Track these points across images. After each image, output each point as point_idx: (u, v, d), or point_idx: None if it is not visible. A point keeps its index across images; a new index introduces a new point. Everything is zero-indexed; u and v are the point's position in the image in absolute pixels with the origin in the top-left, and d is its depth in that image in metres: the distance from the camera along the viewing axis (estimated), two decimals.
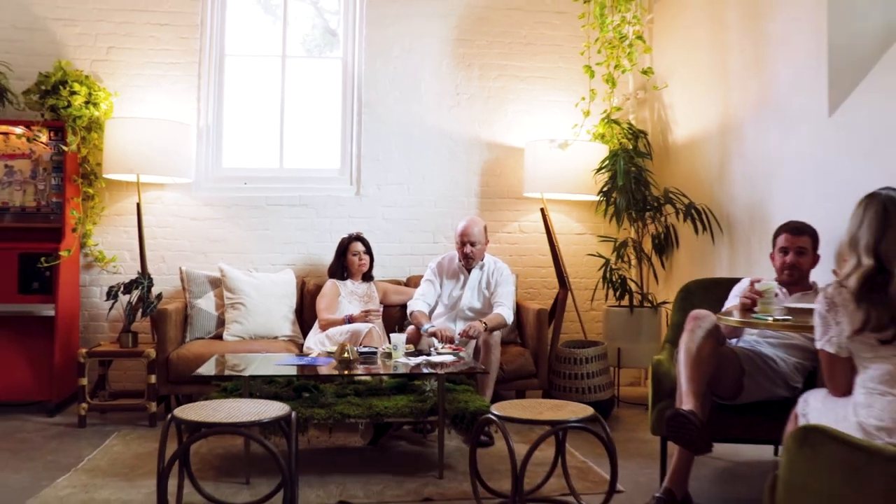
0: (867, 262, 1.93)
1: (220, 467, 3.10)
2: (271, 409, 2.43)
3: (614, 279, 4.38)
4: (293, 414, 2.45)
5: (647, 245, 4.57)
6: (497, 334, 3.69)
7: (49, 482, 2.91)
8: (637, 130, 4.74)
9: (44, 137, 4.27)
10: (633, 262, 4.59)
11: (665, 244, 4.50)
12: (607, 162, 4.38)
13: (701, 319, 2.65)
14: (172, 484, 2.42)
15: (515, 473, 2.40)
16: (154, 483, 2.79)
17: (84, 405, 3.86)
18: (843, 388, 2.00)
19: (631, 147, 4.64)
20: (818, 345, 2.04)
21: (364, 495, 2.80)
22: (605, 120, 4.68)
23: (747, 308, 2.65)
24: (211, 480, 2.88)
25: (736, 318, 2.58)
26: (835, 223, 2.76)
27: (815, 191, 3.37)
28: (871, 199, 2.02)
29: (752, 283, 2.67)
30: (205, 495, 2.63)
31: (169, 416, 2.39)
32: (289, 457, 2.41)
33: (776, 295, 2.64)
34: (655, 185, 4.48)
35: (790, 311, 2.57)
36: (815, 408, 2.09)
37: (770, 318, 2.40)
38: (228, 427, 2.30)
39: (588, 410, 2.57)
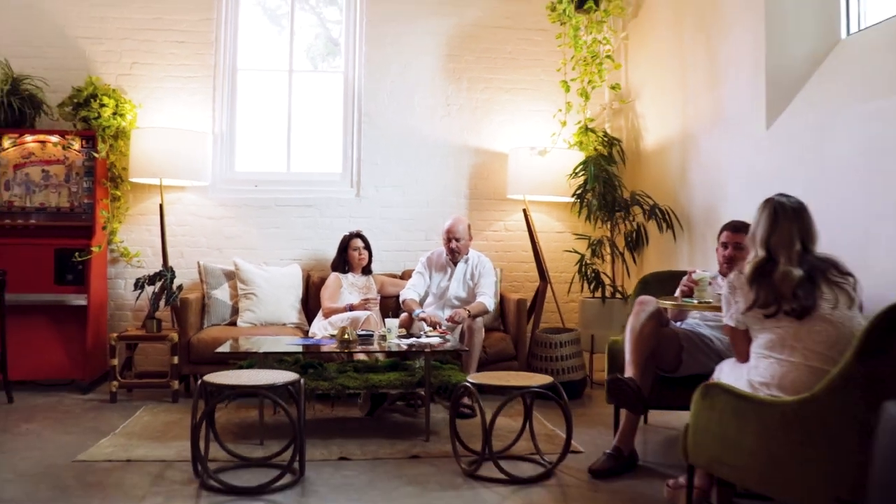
0: (760, 253, 2.42)
1: (237, 433, 3.60)
2: (283, 377, 2.93)
3: (589, 273, 4.87)
4: (301, 381, 2.95)
5: (621, 242, 5.05)
6: (480, 320, 4.18)
7: (93, 443, 3.41)
8: (612, 138, 5.23)
9: (76, 145, 4.77)
10: (608, 257, 5.07)
11: (636, 241, 4.98)
12: (581, 168, 4.87)
13: (645, 304, 3.14)
14: (199, 444, 2.92)
15: (485, 430, 2.90)
16: (181, 444, 3.32)
17: (115, 383, 4.36)
18: (744, 356, 2.49)
19: (606, 153, 5.14)
20: (724, 320, 2.53)
21: (361, 453, 3.29)
22: (583, 129, 5.17)
23: (686, 294, 3.15)
24: (230, 442, 3.37)
25: (671, 302, 3.07)
26: None
27: (758, 195, 3.81)
28: (767, 203, 2.51)
29: (689, 274, 3.16)
30: (226, 450, 3.13)
31: (199, 381, 2.89)
32: (297, 417, 2.90)
33: (710, 284, 3.13)
34: (624, 189, 4.97)
35: (720, 297, 3.05)
36: (725, 372, 2.58)
37: (695, 302, 2.90)
38: (249, 388, 2.80)
39: (548, 380, 3.06)
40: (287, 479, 2.84)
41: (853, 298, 2.32)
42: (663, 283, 3.82)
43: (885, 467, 1.57)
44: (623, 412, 3.10)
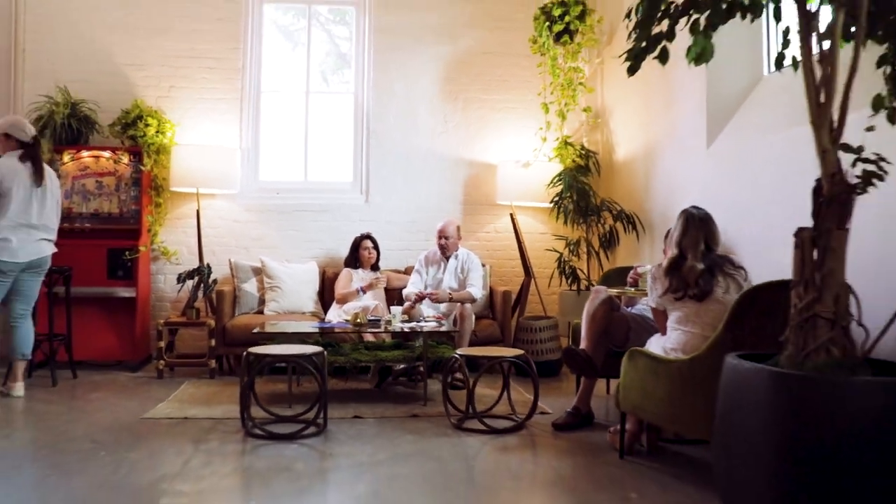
0: (674, 251, 3.19)
1: (269, 400, 4.37)
2: (310, 349, 3.71)
3: (566, 269, 5.63)
4: (324, 352, 3.73)
5: (597, 242, 5.81)
6: (469, 307, 4.95)
7: (152, 406, 4.20)
8: (588, 151, 6.00)
9: (125, 159, 5.56)
10: (584, 255, 5.83)
11: (609, 241, 5.74)
12: (557, 178, 5.64)
13: (598, 292, 3.90)
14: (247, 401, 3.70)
15: (469, 391, 3.68)
16: (225, 407, 4.11)
17: (161, 362, 5.15)
18: (664, 330, 3.26)
19: (583, 164, 5.91)
20: (649, 303, 3.30)
21: (371, 413, 4.07)
22: (562, 144, 5.93)
23: (632, 285, 3.92)
24: (265, 405, 4.15)
25: (617, 290, 3.85)
26: None
27: (703, 203, 4.59)
28: (682, 213, 3.27)
29: (635, 268, 3.93)
30: (265, 409, 3.90)
31: (245, 352, 3.68)
32: (321, 380, 3.68)
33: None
34: (597, 196, 5.73)
35: None
36: (653, 343, 3.35)
37: (633, 289, 3.67)
38: (285, 357, 3.58)
39: (520, 352, 3.84)
40: (313, 430, 3.62)
41: (741, 286, 3.08)
42: (622, 276, 4.58)
43: (723, 400, 2.33)
44: (583, 379, 3.87)
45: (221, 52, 6.05)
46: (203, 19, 6.01)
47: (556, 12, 5.65)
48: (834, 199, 2.31)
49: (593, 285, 5.61)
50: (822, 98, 2.34)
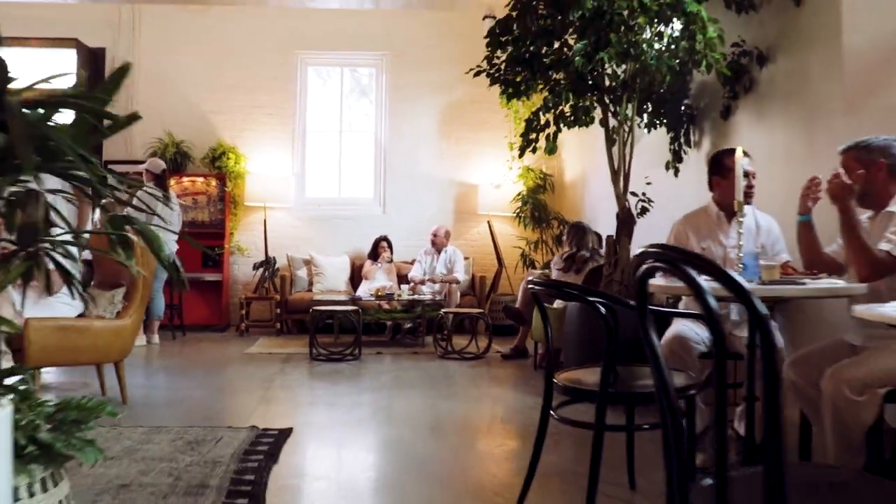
0: (569, 247, 5.43)
1: (322, 345, 6.65)
2: (350, 308, 6.00)
3: (527, 261, 7.87)
4: (359, 310, 6.02)
5: (550, 241, 8.02)
6: (455, 287, 7.20)
7: (247, 348, 6.49)
8: (545, 174, 8.24)
9: (213, 183, 7.87)
10: (541, 251, 8.06)
11: (558, 241, 7.96)
12: (518, 197, 7.89)
13: (529, 275, 6.15)
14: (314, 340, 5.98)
15: (449, 333, 5.95)
16: (293, 349, 6.40)
17: (244, 324, 7.45)
18: None
19: (542, 184, 8.14)
20: (553, 276, 5.54)
21: (387, 351, 6.34)
22: (526, 169, 8.17)
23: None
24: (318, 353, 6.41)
25: (538, 272, 6.10)
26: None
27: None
28: (576, 224, 5.51)
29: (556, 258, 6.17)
30: (321, 345, 6.17)
31: (311, 309, 5.96)
32: (357, 328, 5.94)
33: None
34: (549, 209, 7.97)
35: None
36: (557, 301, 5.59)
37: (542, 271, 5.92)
38: (335, 312, 5.87)
39: (482, 311, 6.10)
40: (351, 358, 5.88)
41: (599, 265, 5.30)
42: None
43: (568, 330, 4.55)
44: (521, 328, 6.11)
45: (278, 103, 8.35)
46: (264, 79, 8.31)
47: None
48: (624, 222, 4.55)
49: (546, 273, 7.90)
50: (616, 166, 4.59)
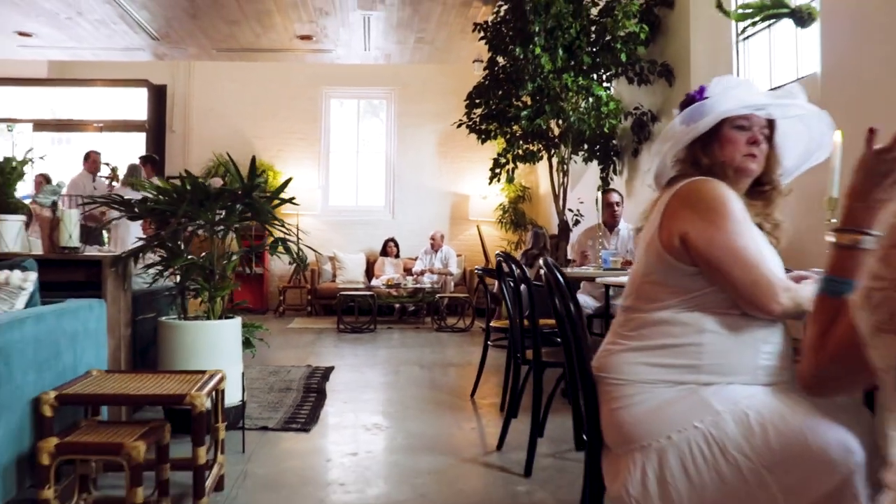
0: (529, 246, 7.34)
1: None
2: (367, 293, 7.93)
3: None
4: (374, 296, 7.95)
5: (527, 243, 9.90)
6: (450, 278, 9.11)
7: (287, 325, 8.43)
8: (524, 187, 10.13)
9: None
10: (520, 251, 9.93)
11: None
12: (499, 206, 9.80)
13: None
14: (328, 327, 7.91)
15: (441, 312, 7.87)
16: (322, 326, 8.35)
17: (281, 308, 9.39)
18: None
19: (521, 195, 10.04)
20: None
21: (396, 327, 8.27)
22: (508, 183, 10.05)
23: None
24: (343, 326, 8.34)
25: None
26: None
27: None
28: (538, 229, 7.42)
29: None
30: (345, 322, 8.10)
31: (338, 294, 7.89)
32: (373, 307, 7.86)
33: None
34: (525, 216, 9.86)
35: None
36: None
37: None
38: (356, 297, 7.81)
39: (466, 295, 8.02)
40: (368, 332, 7.80)
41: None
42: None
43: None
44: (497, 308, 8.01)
45: (306, 129, 10.27)
46: (296, 110, 10.23)
47: None
48: (561, 230, 6.46)
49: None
50: (556, 191, 6.49)
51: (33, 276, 2.43)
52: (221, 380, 2.64)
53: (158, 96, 10.13)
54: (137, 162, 8.19)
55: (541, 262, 2.18)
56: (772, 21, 3.22)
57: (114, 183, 8.62)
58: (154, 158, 8.19)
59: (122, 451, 2.05)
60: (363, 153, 10.61)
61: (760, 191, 1.78)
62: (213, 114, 10.14)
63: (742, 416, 1.53)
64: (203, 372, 2.68)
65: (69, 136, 10.46)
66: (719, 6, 3.37)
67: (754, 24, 3.25)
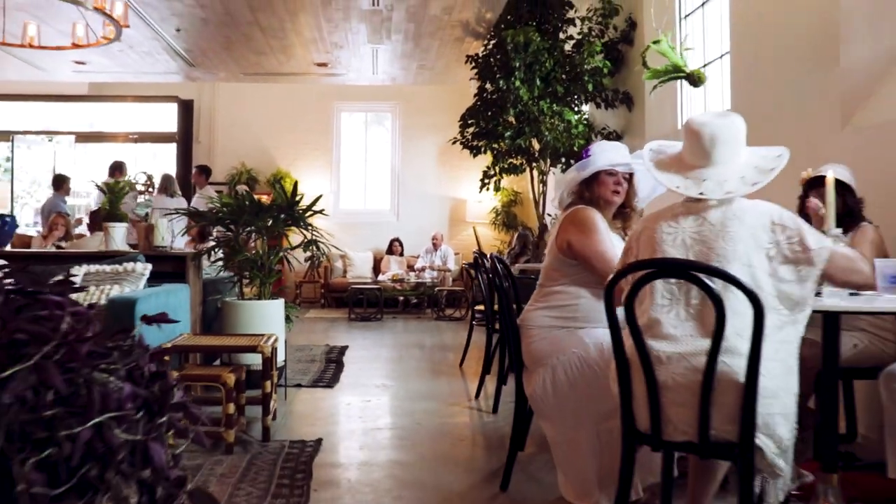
0: (514, 246, 8.43)
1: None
2: (375, 286, 9.05)
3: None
4: (381, 289, 9.07)
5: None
6: (448, 274, 10.22)
7: (304, 314, 9.56)
8: (516, 192, 11.23)
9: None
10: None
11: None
12: (495, 209, 10.90)
13: None
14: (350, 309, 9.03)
15: (440, 302, 8.99)
16: (335, 315, 9.50)
17: (298, 301, 10.52)
18: None
19: (513, 199, 11.14)
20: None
21: (400, 316, 9.39)
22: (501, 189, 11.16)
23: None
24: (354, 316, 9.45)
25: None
26: None
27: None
28: (523, 230, 8.51)
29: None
30: (356, 312, 9.22)
31: (349, 287, 9.01)
32: (380, 300, 8.98)
33: None
34: (516, 219, 10.97)
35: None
36: None
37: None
38: (365, 289, 8.93)
39: (461, 288, 9.13)
40: (375, 320, 8.92)
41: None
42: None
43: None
44: None
45: (320, 140, 11.40)
46: (310, 123, 11.35)
47: None
48: (540, 233, 7.55)
49: None
50: (536, 198, 7.59)
51: (149, 266, 3.55)
52: (275, 340, 3.75)
53: (186, 110, 11.26)
54: (171, 173, 9.32)
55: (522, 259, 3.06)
56: (672, 79, 4.30)
57: (149, 190, 9.75)
58: (207, 168, 9.29)
59: (220, 379, 3.16)
60: (370, 161, 11.73)
61: (623, 212, 2.88)
62: (235, 126, 11.27)
63: (599, 345, 2.62)
64: (262, 334, 3.79)
65: (107, 147, 11.59)
66: (644, 64, 4.43)
67: (662, 82, 4.33)
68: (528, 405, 2.87)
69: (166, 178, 9.40)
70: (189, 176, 10.89)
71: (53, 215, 6.75)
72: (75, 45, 5.41)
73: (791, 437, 1.81)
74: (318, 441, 3.43)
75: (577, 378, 2.62)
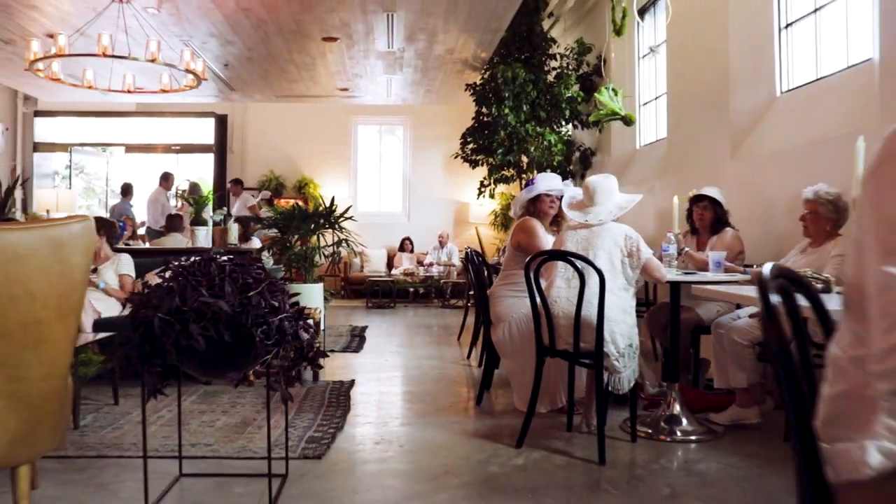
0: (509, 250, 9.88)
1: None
2: (390, 279, 10.51)
3: (500, 253, 12.29)
4: (394, 282, 10.53)
5: None
6: (453, 269, 11.65)
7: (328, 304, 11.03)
8: (512, 197, 12.63)
9: (300, 203, 12.42)
10: None
11: None
12: (492, 212, 12.33)
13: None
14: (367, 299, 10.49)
15: (444, 294, 10.44)
16: (354, 304, 10.98)
17: None
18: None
19: (509, 203, 12.55)
20: None
21: (411, 306, 10.83)
22: (500, 193, 12.59)
23: None
24: (371, 304, 10.90)
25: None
26: None
27: None
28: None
29: None
30: (372, 301, 10.66)
31: (367, 280, 10.47)
32: (393, 291, 10.42)
33: None
34: (512, 221, 12.36)
35: None
36: None
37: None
38: (381, 282, 10.39)
39: (463, 281, 10.60)
40: (390, 308, 10.36)
41: None
42: None
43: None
44: None
45: (339, 149, 12.87)
46: (331, 134, 12.82)
47: None
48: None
49: None
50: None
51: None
52: (318, 312, 5.19)
53: (221, 124, 12.75)
54: (195, 179, 10.82)
55: None
56: (611, 120, 5.72)
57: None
58: (240, 180, 10.78)
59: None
60: (384, 168, 13.18)
61: (556, 220, 4.32)
62: (264, 138, 12.74)
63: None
64: (311, 308, 5.23)
65: (153, 157, 13.10)
66: (595, 106, 5.82)
67: (605, 122, 5.75)
68: (494, 349, 4.31)
69: (193, 187, 10.90)
70: (225, 182, 12.41)
71: (124, 217, 8.26)
72: (163, 91, 6.88)
73: (625, 349, 3.25)
74: (352, 381, 4.89)
75: (524, 329, 4.06)
